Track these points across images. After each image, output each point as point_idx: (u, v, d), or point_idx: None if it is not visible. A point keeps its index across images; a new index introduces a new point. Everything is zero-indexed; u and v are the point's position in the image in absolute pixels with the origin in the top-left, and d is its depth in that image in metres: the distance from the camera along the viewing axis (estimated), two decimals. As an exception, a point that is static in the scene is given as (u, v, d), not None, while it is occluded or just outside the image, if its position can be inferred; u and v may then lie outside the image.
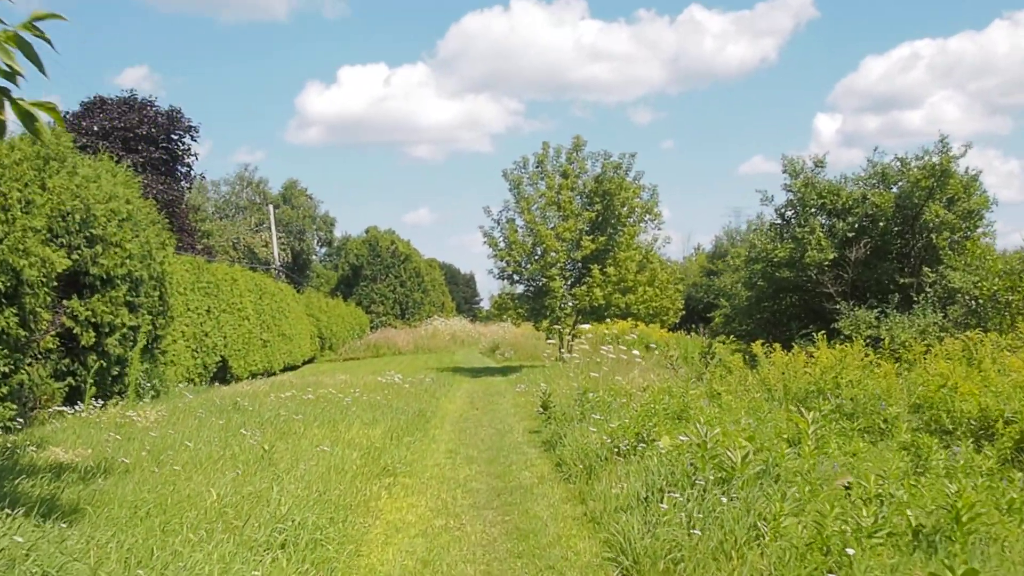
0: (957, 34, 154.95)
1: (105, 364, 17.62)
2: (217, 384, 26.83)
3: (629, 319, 32.94)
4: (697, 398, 12.10)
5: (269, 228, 50.72)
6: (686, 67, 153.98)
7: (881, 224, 18.51)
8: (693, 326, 45.63)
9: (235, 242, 53.54)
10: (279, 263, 51.59)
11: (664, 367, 18.06)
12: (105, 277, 17.29)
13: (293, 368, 39.70)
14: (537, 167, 32.20)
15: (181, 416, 14.96)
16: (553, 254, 30.45)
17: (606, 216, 30.98)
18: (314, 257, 74.75)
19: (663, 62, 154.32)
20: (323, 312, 48.73)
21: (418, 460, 12.56)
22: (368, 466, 10.93)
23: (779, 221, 20.41)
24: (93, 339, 17.08)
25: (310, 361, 44.87)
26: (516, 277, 32.22)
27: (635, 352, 15.55)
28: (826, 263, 18.44)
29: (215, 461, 10.31)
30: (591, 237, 30.92)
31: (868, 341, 14.43)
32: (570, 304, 30.74)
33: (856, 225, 18.87)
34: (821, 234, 18.30)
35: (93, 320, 17.04)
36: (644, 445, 10.12)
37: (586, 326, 20.14)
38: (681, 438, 9.13)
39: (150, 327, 19.81)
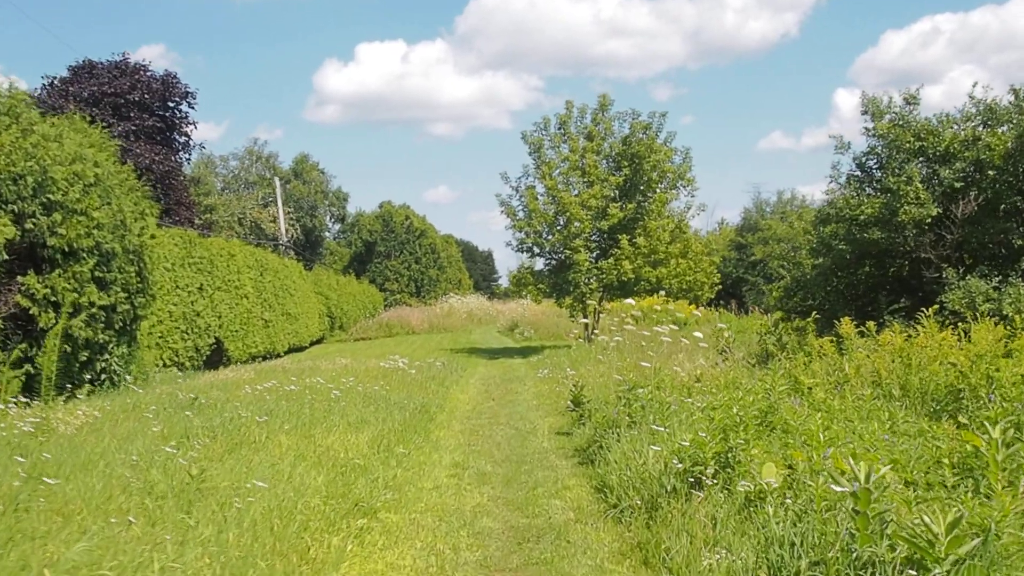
0: (978, 8, 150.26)
1: (70, 348, 15.29)
2: (208, 369, 24.06)
3: (659, 295, 29.65)
4: (782, 396, 8.75)
5: (276, 203, 47.43)
6: (707, 42, 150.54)
7: (991, 173, 14.84)
8: (722, 303, 42.17)
9: (241, 217, 50.34)
10: (286, 239, 48.36)
11: (710, 350, 14.70)
12: (67, 250, 15.09)
13: (300, 349, 36.85)
14: (559, 129, 28.79)
15: (120, 417, 11.79)
16: (577, 224, 27.01)
17: (635, 181, 27.55)
18: (327, 234, 71.33)
19: (684, 37, 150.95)
20: (333, 290, 45.57)
21: (412, 481, 9.25)
22: (334, 501, 7.63)
23: (857, 173, 16.88)
24: (53, 320, 14.75)
25: (319, 341, 41.82)
26: (536, 249, 28.79)
27: (697, 334, 12.08)
28: (927, 221, 14.77)
29: (108, 499, 7.06)
30: (619, 204, 27.53)
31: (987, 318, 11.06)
32: (595, 279, 27.31)
33: (964, 174, 15.19)
34: (919, 185, 14.68)
35: (53, 299, 14.85)
36: (731, 470, 6.82)
37: (630, 300, 16.80)
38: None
39: (127, 306, 17.48)
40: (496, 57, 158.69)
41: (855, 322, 12.07)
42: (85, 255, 15.51)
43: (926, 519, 4.06)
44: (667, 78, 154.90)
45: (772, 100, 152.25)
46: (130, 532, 6.21)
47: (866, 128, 16.34)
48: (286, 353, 34.11)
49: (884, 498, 4.67)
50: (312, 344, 39.88)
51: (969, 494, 5.28)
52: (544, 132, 28.77)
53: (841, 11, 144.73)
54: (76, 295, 15.27)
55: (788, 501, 5.55)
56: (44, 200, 14.73)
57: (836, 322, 12.02)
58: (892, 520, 4.53)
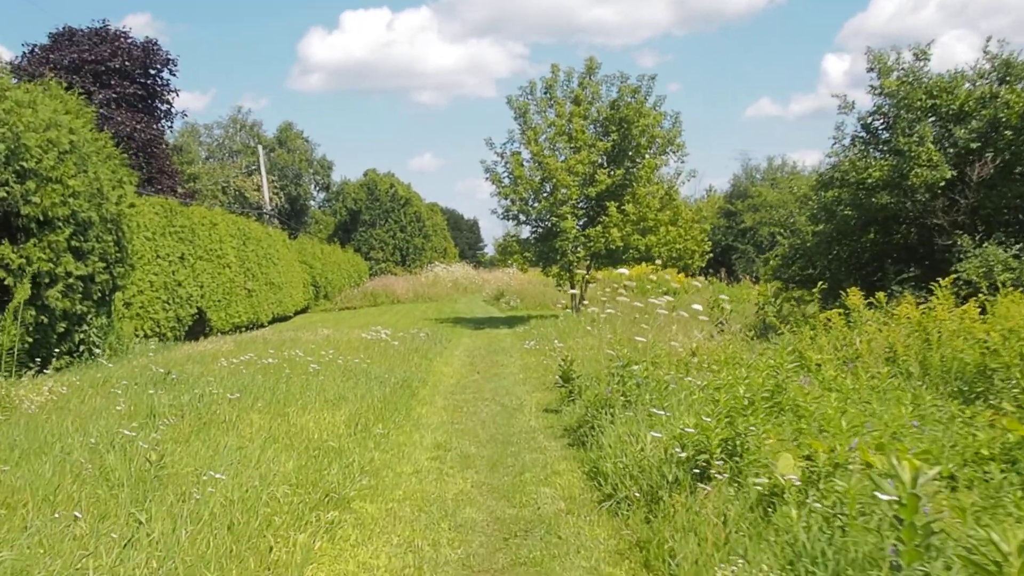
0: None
1: (46, 320, 14.84)
2: (190, 340, 23.25)
3: (653, 263, 28.93)
4: (790, 374, 8.03)
5: (260, 171, 46.42)
6: (693, 8, 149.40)
7: (1007, 134, 13.91)
8: (711, 271, 41.46)
9: (224, 186, 49.28)
10: (271, 207, 47.39)
11: (709, 322, 14.00)
12: (42, 218, 14.64)
13: (284, 319, 36.13)
14: (545, 93, 27.87)
15: (87, 393, 11.09)
16: (564, 190, 26.17)
17: (623, 147, 26.71)
18: (312, 203, 70.09)
19: (669, 3, 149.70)
20: (317, 259, 44.67)
21: (390, 465, 8.53)
22: (304, 490, 6.91)
23: (863, 134, 15.97)
24: (29, 291, 14.25)
25: (303, 311, 41.00)
26: (522, 217, 27.96)
27: (696, 306, 11.27)
28: (940, 184, 13.84)
29: (58, 489, 6.35)
30: (607, 171, 26.73)
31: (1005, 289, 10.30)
32: (583, 247, 26.50)
33: (979, 134, 14.22)
34: (931, 146, 13.76)
35: (28, 269, 14.36)
36: (739, 459, 6.12)
37: (624, 271, 15.96)
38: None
39: (106, 276, 17.01)
40: (481, 24, 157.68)
41: (862, 292, 11.34)
42: (61, 224, 14.97)
43: (993, 536, 3.36)
44: (652, 45, 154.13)
45: (759, 67, 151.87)
46: (75, 528, 5.52)
47: (871, 86, 15.44)
48: (270, 323, 33.37)
49: (933, 504, 3.99)
50: (296, 314, 39.08)
51: (1020, 493, 4.59)
52: (530, 96, 27.88)
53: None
54: (52, 265, 14.72)
55: (812, 502, 4.83)
56: (17, 168, 14.19)
57: (842, 292, 11.26)
58: (942, 531, 3.83)
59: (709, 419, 6.38)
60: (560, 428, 10.13)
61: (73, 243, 15.44)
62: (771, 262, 17.76)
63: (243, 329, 28.15)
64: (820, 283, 10.60)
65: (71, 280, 15.37)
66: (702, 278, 29.39)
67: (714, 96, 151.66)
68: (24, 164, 14.46)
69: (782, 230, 19.42)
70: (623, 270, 11.11)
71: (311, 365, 13.44)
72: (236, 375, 12.71)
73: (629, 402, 8.57)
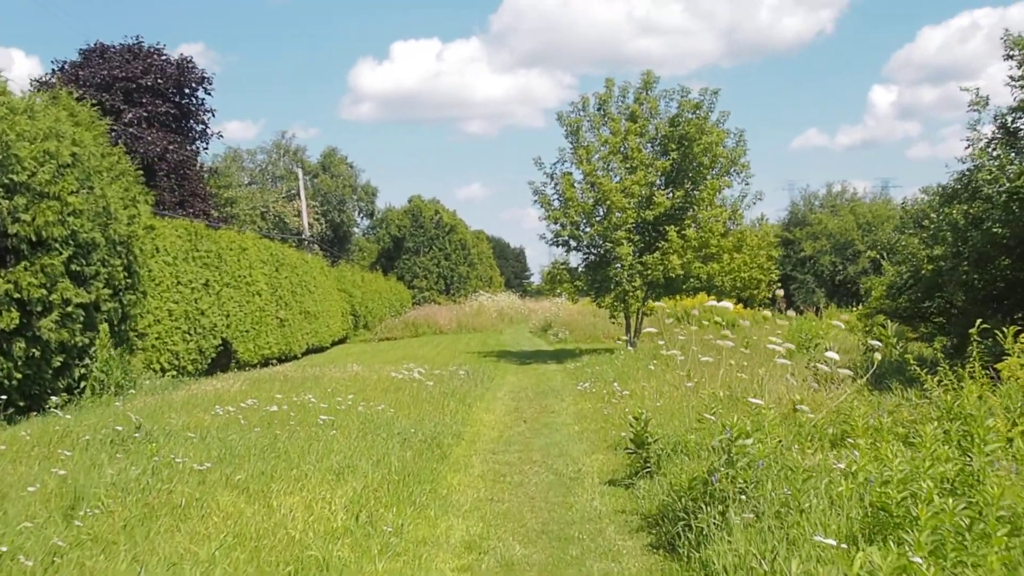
0: (1017, 2, 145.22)
1: (38, 353, 13.01)
2: (214, 373, 21.24)
3: (709, 294, 26.13)
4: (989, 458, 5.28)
5: (299, 195, 44.19)
6: (741, 40, 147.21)
7: None
8: (768, 302, 38.39)
9: (264, 211, 47.09)
10: (311, 233, 45.10)
11: (788, 364, 11.17)
12: (34, 239, 12.97)
13: (320, 350, 33.71)
14: (599, 109, 25.22)
15: (23, 455, 8.49)
16: (619, 214, 23.46)
17: (683, 167, 23.98)
18: (356, 230, 67.79)
19: (718, 35, 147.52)
20: (357, 287, 42.21)
21: (400, 583, 5.89)
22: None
23: (999, 135, 12.96)
24: (17, 321, 12.47)
25: (341, 341, 38.55)
26: (573, 243, 25.19)
27: (832, 355, 8.31)
28: None
29: None
30: (665, 192, 23.98)
31: None
32: (638, 275, 23.70)
33: None
34: None
35: (17, 295, 12.59)
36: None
37: (725, 304, 12.88)
38: None
39: (115, 305, 15.51)
40: (529, 55, 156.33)
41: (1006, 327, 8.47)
42: (58, 246, 13.29)
43: None
44: (700, 76, 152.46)
45: (806, 98, 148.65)
46: None
47: (1010, 77, 12.57)
48: (303, 355, 30.95)
49: None
50: (334, 344, 36.61)
51: None
52: (582, 112, 25.23)
53: (877, 7, 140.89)
54: (45, 291, 12.93)
55: None
56: (5, 181, 12.66)
57: (996, 332, 8.38)
58: None
59: (918, 559, 3.63)
60: (636, 515, 7.38)
61: (73, 267, 13.70)
62: (874, 292, 14.80)
63: (274, 362, 25.74)
64: (979, 322, 7.70)
65: (70, 308, 13.55)
66: (766, 311, 26.42)
67: (761, 127, 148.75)
68: (13, 177, 12.69)
69: (885, 254, 16.36)
70: (723, 303, 8.68)
71: (322, 416, 10.81)
72: (227, 428, 10.18)
73: (745, 495, 5.79)
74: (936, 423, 6.48)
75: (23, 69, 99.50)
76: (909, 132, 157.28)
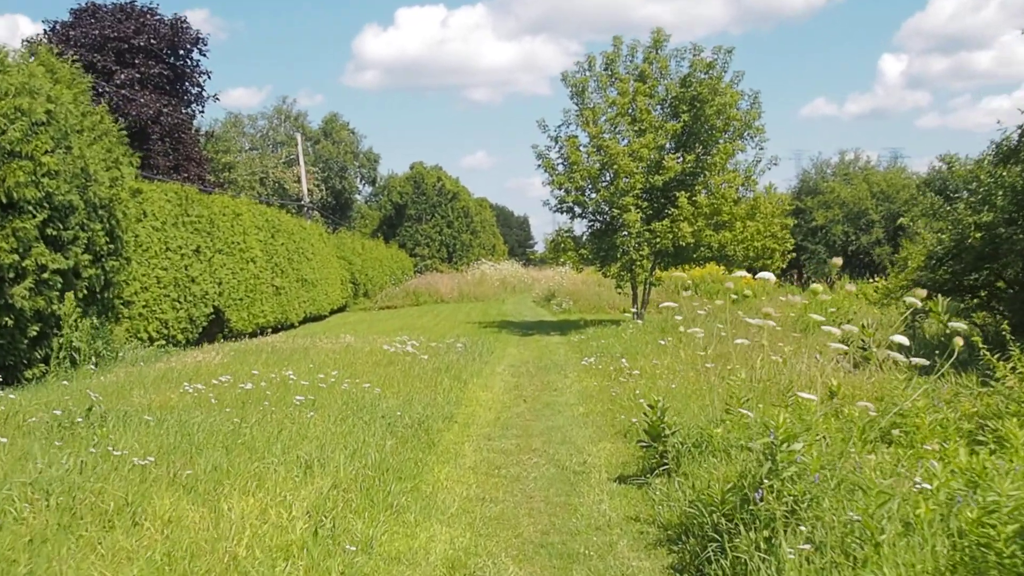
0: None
1: (11, 322, 12.47)
2: (203, 343, 20.09)
3: (719, 264, 24.86)
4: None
5: (299, 160, 42.86)
6: (750, 6, 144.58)
7: None
8: (781, 274, 37.02)
9: (263, 176, 45.75)
10: (310, 199, 43.82)
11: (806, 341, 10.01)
12: (5, 201, 12.39)
13: (318, 318, 32.72)
14: (606, 69, 23.81)
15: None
16: (626, 179, 22.14)
17: (695, 129, 22.62)
18: (358, 196, 66.39)
19: (726, 1, 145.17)
20: (357, 255, 41.01)
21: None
22: None
23: None
24: None
25: (341, 310, 37.44)
26: (578, 209, 23.84)
27: (850, 327, 7.03)
28: None
29: None
30: (675, 156, 22.67)
31: None
32: (646, 243, 22.42)
33: None
34: None
35: None
36: None
37: (751, 273, 11.65)
38: None
39: (96, 271, 14.85)
40: (535, 22, 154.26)
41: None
42: (31, 208, 12.72)
43: None
44: (708, 43, 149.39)
45: (816, 66, 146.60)
46: None
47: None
48: (301, 323, 29.92)
49: None
50: (332, 313, 35.51)
51: None
52: (588, 72, 23.83)
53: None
54: (17, 257, 12.37)
55: None
56: None
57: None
58: None
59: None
60: (652, 525, 6.18)
61: (48, 231, 13.13)
62: (911, 262, 13.51)
63: (269, 331, 24.63)
64: (938, 288, 6.34)
65: (45, 275, 12.99)
66: (775, 280, 25.05)
67: (770, 95, 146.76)
68: (-22, 135, 11.92)
69: (923, 220, 14.92)
70: (767, 273, 7.74)
71: (298, 397, 9.64)
72: (193, 410, 9.04)
73: (798, 517, 4.57)
74: (1015, 419, 5.32)
75: (27, 33, 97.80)
76: (919, 102, 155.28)
